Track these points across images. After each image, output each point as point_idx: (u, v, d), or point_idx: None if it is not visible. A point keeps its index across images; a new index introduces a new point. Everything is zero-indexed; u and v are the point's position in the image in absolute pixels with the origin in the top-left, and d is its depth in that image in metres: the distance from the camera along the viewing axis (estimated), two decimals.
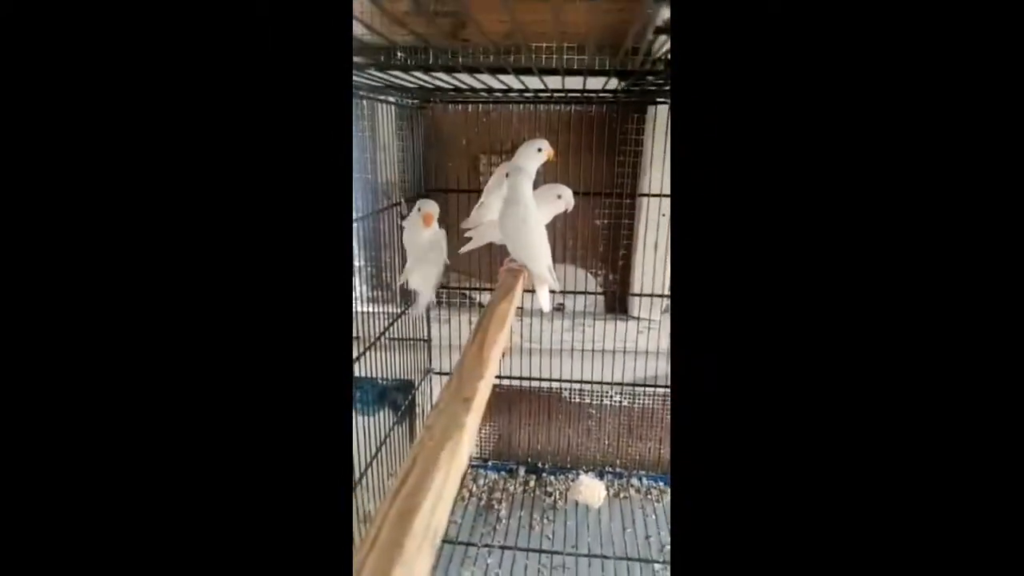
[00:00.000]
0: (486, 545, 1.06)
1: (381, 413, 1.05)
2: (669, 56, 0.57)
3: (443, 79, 0.76)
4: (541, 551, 1.04)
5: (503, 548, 1.05)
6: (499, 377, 1.21)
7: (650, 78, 0.72)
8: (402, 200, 0.98)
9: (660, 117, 1.07)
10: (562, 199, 0.87)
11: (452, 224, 1.14)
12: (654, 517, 1.15)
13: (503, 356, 1.08)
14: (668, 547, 1.07)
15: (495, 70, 0.69)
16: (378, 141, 1.00)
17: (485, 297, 1.19)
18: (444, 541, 1.06)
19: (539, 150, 0.82)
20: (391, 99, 0.99)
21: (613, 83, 0.80)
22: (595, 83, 0.80)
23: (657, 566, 1.02)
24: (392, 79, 0.75)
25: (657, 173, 1.09)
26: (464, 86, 0.81)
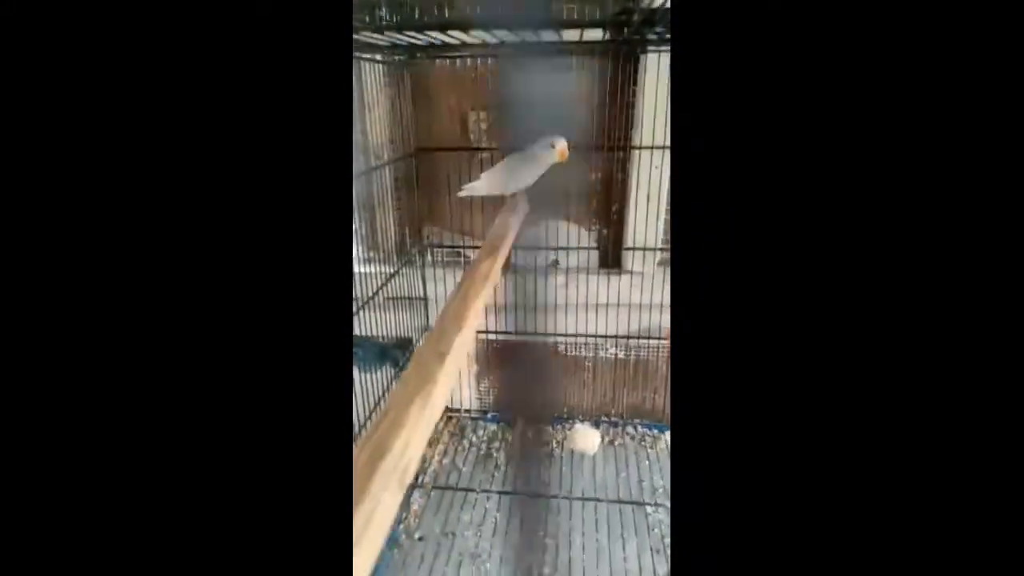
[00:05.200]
0: (484, 491, 1.12)
1: (381, 370, 1.09)
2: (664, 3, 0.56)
3: (428, 36, 0.76)
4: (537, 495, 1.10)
5: (500, 493, 1.10)
6: (497, 332, 1.24)
7: (644, 29, 0.71)
8: (391, 164, 0.98)
9: (652, 66, 1.05)
10: (555, 148, 0.86)
11: (442, 183, 1.15)
12: (647, 463, 1.19)
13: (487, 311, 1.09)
14: (660, 490, 1.12)
15: (481, 25, 0.68)
16: (365, 100, 1.00)
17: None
18: (445, 488, 1.12)
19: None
20: (377, 57, 0.98)
21: (597, 34, 0.79)
22: (588, 34, 0.78)
23: (649, 508, 1.07)
24: (375, 39, 0.75)
25: (650, 124, 1.08)
26: (451, 41, 0.80)
